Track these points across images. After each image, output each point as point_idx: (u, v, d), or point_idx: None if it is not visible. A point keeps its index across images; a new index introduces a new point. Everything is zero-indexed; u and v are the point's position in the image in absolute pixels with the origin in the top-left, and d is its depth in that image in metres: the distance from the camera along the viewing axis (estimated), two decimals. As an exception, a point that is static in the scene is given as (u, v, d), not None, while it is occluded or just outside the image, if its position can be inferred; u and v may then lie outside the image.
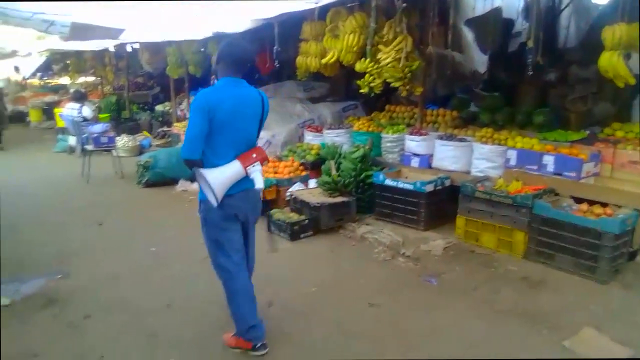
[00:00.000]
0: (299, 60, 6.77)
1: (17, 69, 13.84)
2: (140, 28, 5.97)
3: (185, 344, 3.27)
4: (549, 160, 4.88)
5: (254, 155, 2.95)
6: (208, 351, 3.21)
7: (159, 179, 7.44)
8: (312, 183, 6.15)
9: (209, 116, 2.78)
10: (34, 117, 15.26)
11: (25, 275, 4.30)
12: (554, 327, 3.40)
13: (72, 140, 10.57)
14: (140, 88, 14.56)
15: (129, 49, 12.79)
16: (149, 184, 7.44)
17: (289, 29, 6.91)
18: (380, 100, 7.63)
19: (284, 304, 3.81)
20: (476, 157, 5.33)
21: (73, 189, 7.36)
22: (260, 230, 5.44)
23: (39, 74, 18.77)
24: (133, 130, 11.59)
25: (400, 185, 5.32)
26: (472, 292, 3.98)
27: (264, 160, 3.00)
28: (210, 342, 3.29)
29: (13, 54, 12.77)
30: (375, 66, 5.56)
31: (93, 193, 7.19)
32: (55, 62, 18.59)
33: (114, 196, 7.01)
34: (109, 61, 14.26)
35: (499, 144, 5.29)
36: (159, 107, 12.87)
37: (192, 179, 7.49)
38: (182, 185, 7.38)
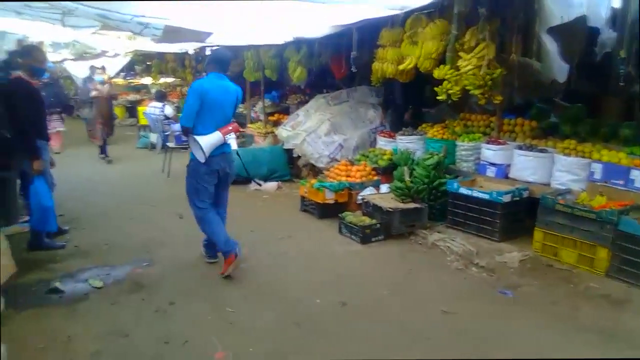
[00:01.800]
0: (375, 65, 6.83)
1: (103, 68, 14.77)
2: (225, 32, 6.23)
3: (260, 331, 3.40)
4: (637, 175, 4.65)
5: (230, 128, 4.24)
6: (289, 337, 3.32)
7: (235, 178, 7.69)
8: (384, 188, 6.18)
9: (200, 98, 4.05)
10: (118, 114, 16.22)
11: (116, 260, 4.62)
12: (638, 347, 3.25)
13: (153, 137, 11.18)
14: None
15: (208, 52, 13.39)
16: (225, 182, 7.73)
17: (365, 34, 7.00)
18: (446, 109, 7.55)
19: (357, 305, 3.87)
20: (557, 169, 5.16)
21: (155, 182, 7.79)
22: (333, 231, 5.61)
23: (122, 74, 19.91)
24: (209, 129, 12.04)
25: (476, 194, 5.24)
26: (550, 306, 3.87)
27: (236, 130, 4.41)
28: (297, 334, 3.40)
29: (102, 54, 13.59)
30: (455, 73, 5.53)
31: (173, 187, 7.55)
32: (138, 63, 19.68)
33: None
34: (188, 63, 14.94)
35: (583, 157, 5.10)
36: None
37: (265, 179, 7.74)
38: (255, 184, 7.62)
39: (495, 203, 5.07)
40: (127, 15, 4.72)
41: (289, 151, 8.16)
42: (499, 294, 4.11)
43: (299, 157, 8.06)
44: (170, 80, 16.99)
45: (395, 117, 7.69)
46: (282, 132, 8.37)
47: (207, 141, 4.09)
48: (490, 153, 5.72)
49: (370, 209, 5.63)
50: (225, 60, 4.41)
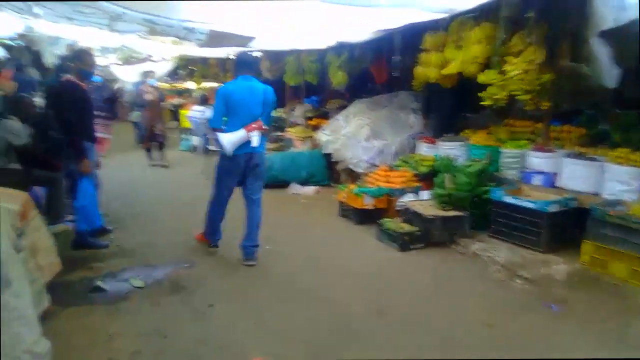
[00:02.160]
0: (418, 70, 6.74)
1: (148, 73, 15.20)
2: (268, 37, 6.28)
3: (296, 336, 3.37)
4: (695, 187, 4.40)
5: (254, 126, 4.51)
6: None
7: (274, 181, 7.74)
8: (425, 195, 6.06)
9: (225, 100, 4.48)
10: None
11: (157, 261, 4.69)
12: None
13: (195, 140, 11.37)
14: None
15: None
16: (264, 185, 7.76)
17: (407, 39, 6.92)
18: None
19: (395, 313, 3.79)
20: (608, 179, 4.93)
21: (196, 184, 7.87)
22: (371, 237, 5.54)
23: (166, 78, 20.40)
24: (249, 133, 12.17)
25: (521, 203, 5.07)
26: (599, 323, 3.68)
27: (260, 128, 4.57)
28: (333, 341, 3.36)
29: (148, 58, 13.93)
30: (501, 78, 5.38)
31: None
32: (182, 68, 20.10)
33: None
34: (230, 68, 15.16)
35: (635, 166, 4.85)
36: (274, 113, 13.41)
37: (303, 183, 7.75)
38: (294, 188, 7.64)
39: (542, 213, 4.88)
40: (173, 20, 4.80)
41: (328, 156, 8.14)
42: (544, 307, 3.95)
43: (337, 161, 8.02)
44: (212, 84, 17.29)
45: (437, 123, 7.54)
46: (322, 136, 8.36)
47: (229, 139, 4.50)
48: (537, 161, 5.53)
49: (410, 215, 5.54)
50: (250, 63, 4.86)
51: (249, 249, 4.72)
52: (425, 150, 6.98)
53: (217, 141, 4.64)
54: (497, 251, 4.98)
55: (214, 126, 4.66)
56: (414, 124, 7.88)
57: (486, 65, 5.74)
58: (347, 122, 8.22)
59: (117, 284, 4.16)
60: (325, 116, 10.60)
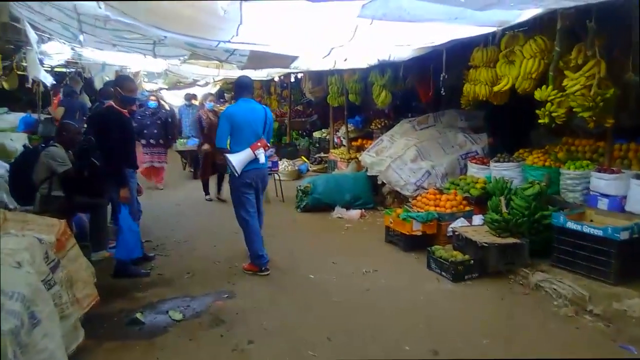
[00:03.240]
0: (467, 87, 6.42)
1: (194, 96, 15.42)
2: (311, 57, 6.13)
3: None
4: None
5: (258, 144, 4.84)
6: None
7: (317, 204, 7.55)
8: (477, 220, 5.69)
9: (229, 121, 4.82)
10: (206, 141, 16.80)
11: (197, 290, 4.53)
12: None
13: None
14: (300, 115, 15.24)
15: (292, 79, 13.57)
16: (307, 209, 7.59)
17: (453, 55, 6.61)
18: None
19: (452, 353, 3.45)
20: (686, 203, 4.44)
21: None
22: (420, 265, 5.22)
23: (213, 102, 20.72)
24: (292, 155, 12.09)
25: (586, 229, 4.62)
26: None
27: (264, 146, 4.90)
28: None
29: (194, 83, 14.14)
30: (559, 94, 5.00)
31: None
32: (227, 91, 20.37)
33: (275, 219, 7.21)
34: (274, 90, 15.23)
35: None
36: (316, 134, 13.29)
37: (347, 207, 7.49)
38: (338, 212, 7.39)
39: (611, 240, 4.42)
40: (213, 42, 4.69)
41: (373, 178, 7.87)
42: (619, 348, 3.52)
43: (383, 184, 7.73)
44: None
45: (489, 142, 7.15)
46: (366, 158, 8.11)
47: (237, 158, 4.81)
48: (603, 183, 5.07)
49: (462, 242, 5.18)
50: (248, 85, 5.20)
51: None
52: (475, 171, 6.60)
53: (229, 162, 4.84)
54: (562, 283, 4.54)
55: (219, 145, 4.94)
56: (463, 144, 7.52)
57: (540, 81, 5.39)
58: (392, 142, 7.95)
59: (156, 316, 4.00)
60: (369, 137, 10.37)
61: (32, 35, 6.46)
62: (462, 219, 5.70)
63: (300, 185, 7.91)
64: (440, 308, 4.24)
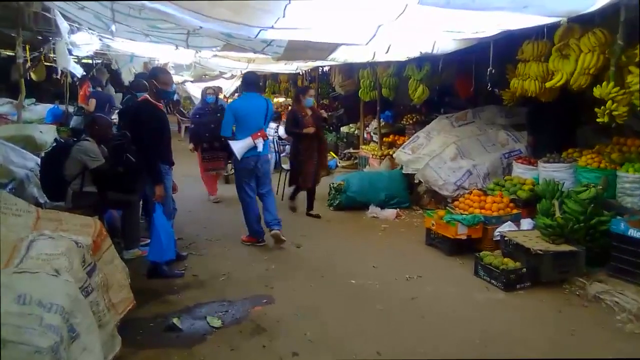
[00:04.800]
0: (514, 82, 6.06)
1: (220, 89, 15.25)
2: (351, 47, 5.84)
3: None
4: None
5: (259, 134, 5.41)
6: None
7: (351, 203, 7.28)
8: (525, 224, 5.36)
9: (233, 113, 5.45)
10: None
11: (234, 294, 4.31)
12: None
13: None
14: (326, 109, 14.93)
15: (319, 72, 13.28)
16: (340, 207, 7.32)
17: (497, 49, 6.26)
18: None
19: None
20: None
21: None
22: (466, 271, 4.92)
23: (236, 94, 20.56)
24: (319, 150, 11.80)
25: (652, 238, 4.28)
26: None
27: (263, 136, 5.48)
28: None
29: (220, 75, 13.96)
30: (622, 91, 4.65)
31: (287, 211, 7.27)
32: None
33: (308, 217, 7.00)
34: (301, 83, 14.95)
35: None
36: (344, 129, 13.00)
37: (382, 206, 7.20)
38: (373, 211, 7.11)
39: (681, 251, 4.09)
40: (254, 27, 4.42)
41: (408, 176, 7.57)
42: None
43: (419, 183, 7.43)
44: (282, 99, 17.16)
45: (536, 141, 6.77)
46: (401, 155, 7.80)
47: (238, 145, 5.39)
48: (667, 187, 4.71)
49: (512, 248, 4.86)
50: (253, 81, 5.82)
51: (273, 221, 5.61)
52: (521, 172, 6.24)
53: (232, 149, 5.44)
54: (623, 295, 4.21)
55: (224, 134, 5.54)
56: (505, 142, 7.16)
57: (597, 77, 5.03)
58: (429, 139, 7.62)
59: (193, 322, 3.78)
60: (401, 132, 10.04)
61: (64, 25, 6.31)
62: (509, 222, 5.37)
63: (333, 183, 7.64)
64: (494, 320, 3.94)
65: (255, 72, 6.10)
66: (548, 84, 5.50)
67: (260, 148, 5.43)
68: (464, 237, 5.30)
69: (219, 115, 7.25)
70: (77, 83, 11.89)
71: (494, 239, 5.28)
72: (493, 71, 5.95)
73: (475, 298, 4.36)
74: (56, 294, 2.26)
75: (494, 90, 6.67)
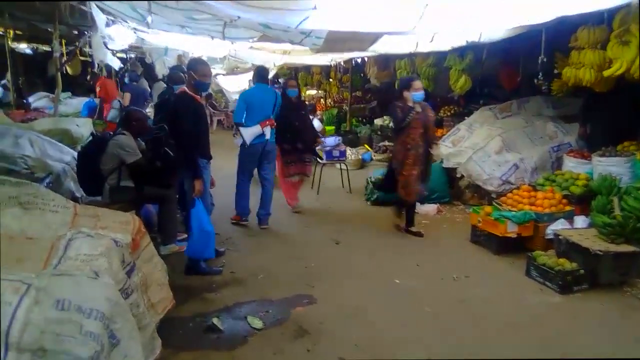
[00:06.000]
0: (567, 71, 5.73)
1: (250, 82, 15.15)
2: (391, 38, 5.60)
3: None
4: None
5: (267, 122, 5.72)
6: None
7: (389, 198, 7.02)
8: (579, 221, 5.03)
9: (245, 102, 5.79)
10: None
11: (274, 293, 4.15)
12: None
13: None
14: (359, 102, 14.69)
15: (353, 63, 13.00)
16: (378, 202, 7.10)
17: (546, 36, 5.91)
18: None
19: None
20: None
21: (305, 200, 7.35)
22: (517, 272, 4.65)
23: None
24: (353, 143, 11.58)
25: None
26: None
27: (271, 124, 5.77)
28: None
29: (252, 68, 13.80)
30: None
31: (324, 206, 7.10)
32: (283, 76, 20.00)
33: (345, 212, 6.81)
34: (334, 75, 14.72)
35: None
36: (377, 121, 12.72)
37: (421, 201, 6.93)
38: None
39: None
40: (294, 17, 4.21)
41: (448, 170, 7.27)
42: None
43: (460, 177, 7.13)
44: (313, 92, 16.97)
45: (589, 134, 6.39)
46: (441, 148, 7.50)
47: (249, 132, 5.72)
48: None
49: (566, 248, 4.56)
50: (264, 74, 6.21)
51: (263, 216, 5.97)
52: (573, 166, 5.89)
53: (242, 135, 5.79)
54: (693, 300, 3.90)
55: (237, 121, 5.89)
56: (554, 135, 6.80)
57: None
58: (471, 132, 7.32)
59: (234, 323, 3.63)
60: (438, 125, 9.72)
61: (100, 16, 6.24)
62: (562, 220, 5.05)
63: (370, 177, 7.41)
64: (553, 326, 3.68)
65: (264, 66, 6.64)
66: (606, 73, 5.17)
67: (268, 135, 5.77)
68: (514, 236, 5.01)
69: (303, 112, 6.75)
70: (89, 78, 11.81)
71: (546, 237, 4.98)
72: (545, 60, 5.61)
73: (529, 301, 4.10)
74: (96, 299, 2.12)
75: (539, 79, 6.34)
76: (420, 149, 5.53)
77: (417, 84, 5.52)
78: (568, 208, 5.24)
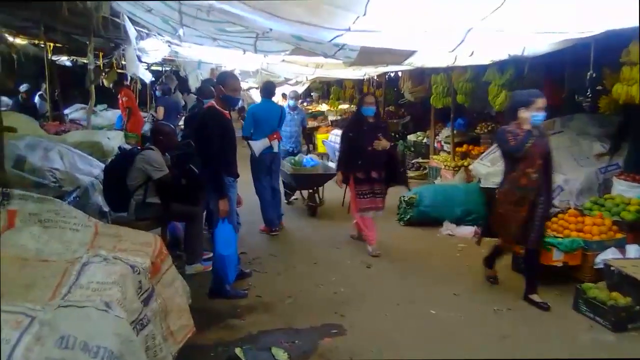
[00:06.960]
0: (617, 88, 5.35)
1: (284, 95, 15.11)
2: (429, 52, 5.36)
3: None
4: None
5: (274, 136, 6.15)
6: None
7: (423, 218, 6.74)
8: (632, 250, 4.64)
9: (253, 118, 6.24)
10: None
11: (301, 321, 3.91)
12: None
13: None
14: (391, 117, 14.41)
15: (386, 77, 12.79)
16: (411, 222, 6.80)
17: (588, 51, 5.57)
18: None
19: None
20: None
21: (335, 217, 7.13)
22: (564, 305, 4.27)
23: (299, 101, 20.36)
24: (385, 159, 11.29)
25: None
26: None
27: (278, 137, 6.24)
28: None
29: (284, 81, 13.74)
30: None
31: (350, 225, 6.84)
32: (316, 90, 19.92)
33: (377, 233, 6.52)
34: (366, 89, 14.50)
35: None
36: (411, 137, 12.41)
37: (458, 222, 6.63)
38: (447, 227, 6.54)
39: None
40: (331, 30, 4.02)
41: (487, 190, 6.92)
42: None
43: (499, 198, 6.76)
44: (345, 106, 16.77)
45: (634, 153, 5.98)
46: (479, 167, 7.19)
47: (258, 145, 6.06)
48: None
49: (618, 279, 4.18)
50: (270, 89, 6.69)
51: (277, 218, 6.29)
52: (623, 189, 5.49)
53: (251, 148, 6.13)
54: None
55: (244, 134, 6.27)
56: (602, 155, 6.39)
57: None
58: (510, 150, 6.95)
59: (257, 354, 3.41)
60: (476, 142, 9.39)
61: (132, 30, 6.22)
62: (613, 248, 4.67)
63: (404, 196, 7.12)
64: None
65: (271, 81, 7.44)
66: (662, 90, 4.78)
67: (275, 148, 6.16)
68: (560, 264, 4.65)
69: (380, 134, 5.44)
70: (113, 89, 11.58)
71: (595, 267, 4.60)
72: (594, 75, 5.27)
73: (580, 339, 3.75)
74: (104, 335, 1.93)
75: (587, 96, 5.97)
76: (538, 180, 4.18)
77: (541, 101, 4.21)
78: (619, 235, 4.84)
